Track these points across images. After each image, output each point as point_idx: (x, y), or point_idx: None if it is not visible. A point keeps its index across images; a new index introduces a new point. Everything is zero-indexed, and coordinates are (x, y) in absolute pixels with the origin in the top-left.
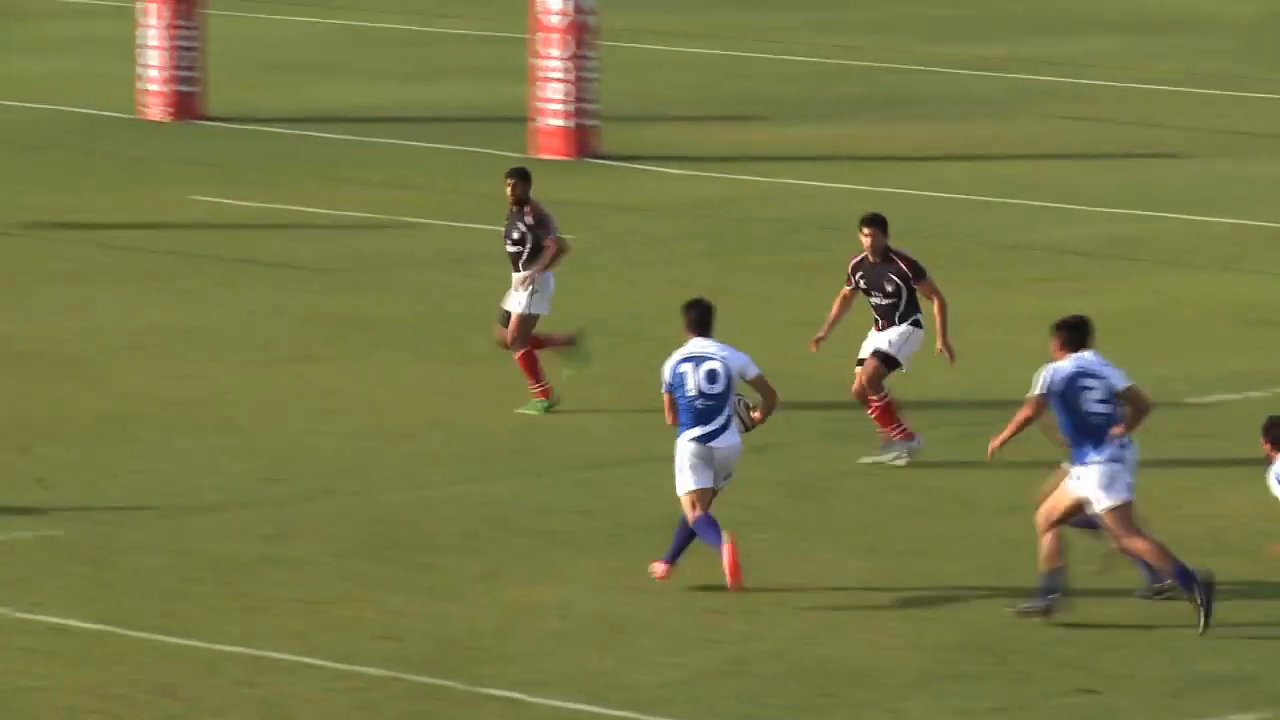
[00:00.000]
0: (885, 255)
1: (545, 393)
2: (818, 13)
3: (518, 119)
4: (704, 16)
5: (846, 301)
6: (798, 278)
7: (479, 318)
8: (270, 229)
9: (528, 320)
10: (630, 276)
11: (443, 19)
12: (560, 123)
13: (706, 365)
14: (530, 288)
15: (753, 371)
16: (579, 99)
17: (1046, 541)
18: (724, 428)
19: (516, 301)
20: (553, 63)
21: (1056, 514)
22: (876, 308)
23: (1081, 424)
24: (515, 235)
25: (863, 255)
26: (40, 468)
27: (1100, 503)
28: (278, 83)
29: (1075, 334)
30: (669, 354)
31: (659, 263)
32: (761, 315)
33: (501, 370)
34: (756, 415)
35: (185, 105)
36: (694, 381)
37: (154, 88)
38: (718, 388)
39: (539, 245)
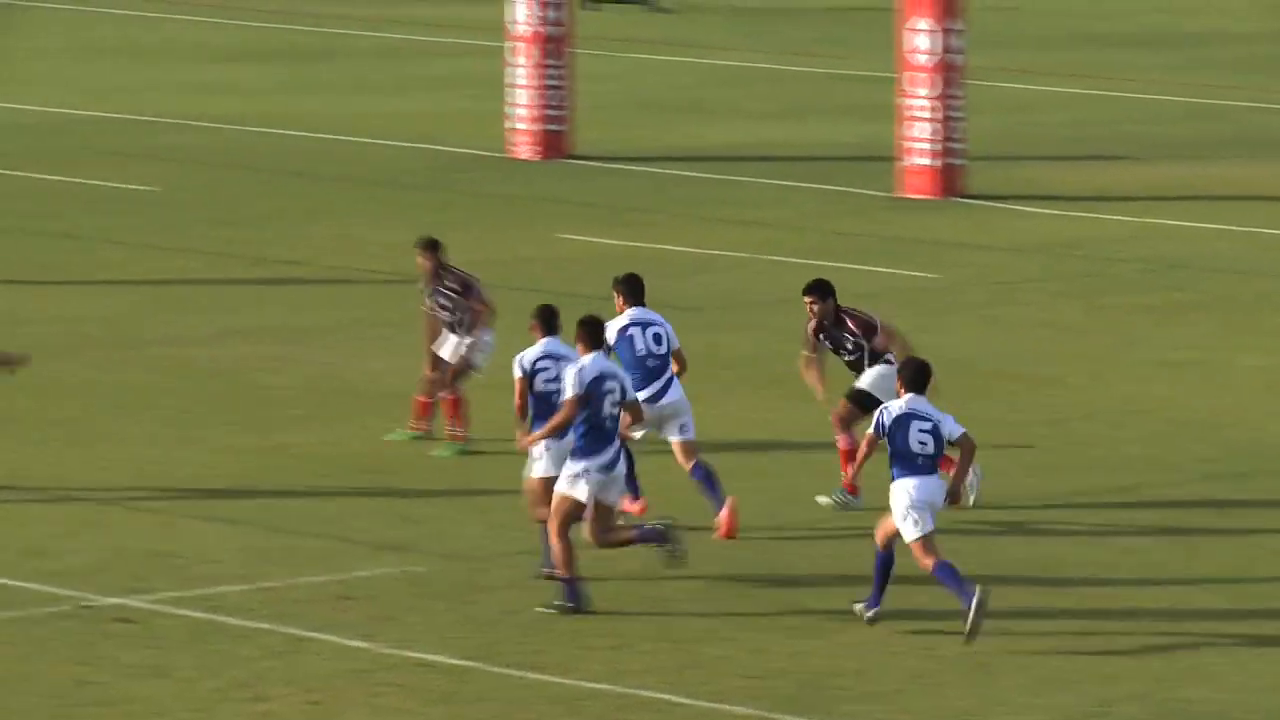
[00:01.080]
0: (837, 318)
1: (463, 437)
2: (1185, 52)
3: (884, 158)
4: (1071, 55)
5: (814, 363)
6: (1163, 318)
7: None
8: (636, 267)
9: (465, 369)
10: (994, 315)
11: (809, 58)
12: (927, 162)
13: (653, 329)
14: (469, 341)
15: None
16: (946, 138)
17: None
18: (667, 386)
19: (455, 349)
20: (920, 102)
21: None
22: (846, 364)
23: (595, 425)
24: (445, 304)
25: (816, 320)
26: (405, 504)
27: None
28: (645, 121)
29: (594, 330)
30: (1034, 394)
31: (1023, 302)
32: (1126, 355)
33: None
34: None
35: (553, 144)
36: (642, 343)
37: (522, 126)
38: (663, 349)
39: (470, 309)
